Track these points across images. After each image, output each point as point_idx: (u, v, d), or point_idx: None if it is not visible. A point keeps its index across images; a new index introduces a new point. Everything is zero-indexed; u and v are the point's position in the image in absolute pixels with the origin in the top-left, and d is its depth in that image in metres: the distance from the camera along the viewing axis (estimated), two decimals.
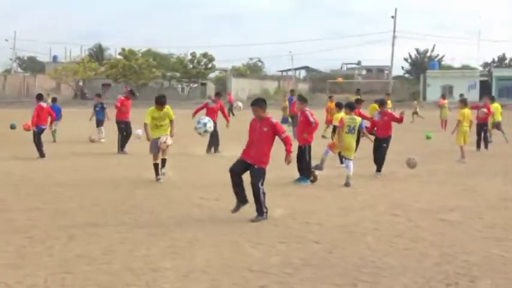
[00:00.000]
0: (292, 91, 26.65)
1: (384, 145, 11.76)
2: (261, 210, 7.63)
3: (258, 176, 7.64)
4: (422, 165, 11.86)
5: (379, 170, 11.81)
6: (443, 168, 12.44)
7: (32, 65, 71.55)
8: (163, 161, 10.97)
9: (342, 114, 11.62)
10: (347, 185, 10.60)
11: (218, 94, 18.55)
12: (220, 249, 6.24)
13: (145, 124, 11.03)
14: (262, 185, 7.62)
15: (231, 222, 7.54)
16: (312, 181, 10.87)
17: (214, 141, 16.04)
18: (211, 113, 15.85)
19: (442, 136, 21.47)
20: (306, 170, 10.97)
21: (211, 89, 57.02)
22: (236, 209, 7.72)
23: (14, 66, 71.13)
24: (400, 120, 11.99)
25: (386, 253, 6.12)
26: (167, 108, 11.13)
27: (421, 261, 5.84)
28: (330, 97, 22.87)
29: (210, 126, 11.72)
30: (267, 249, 6.30)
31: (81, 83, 60.83)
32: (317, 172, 11.10)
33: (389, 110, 12.62)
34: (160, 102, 11.04)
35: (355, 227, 7.47)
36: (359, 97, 17.17)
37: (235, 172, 7.72)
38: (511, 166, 13.55)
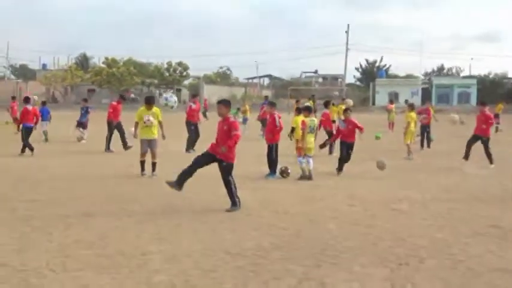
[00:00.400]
0: (266, 97, 27.67)
1: (350, 151, 12.12)
2: (234, 201, 7.83)
3: (227, 171, 7.86)
4: (374, 162, 12.19)
5: (340, 169, 12.03)
6: (392, 164, 12.74)
7: (23, 72, 72.53)
8: (154, 164, 11.08)
9: (301, 117, 11.69)
10: (309, 178, 10.96)
11: (195, 96, 19.26)
12: (201, 235, 6.46)
13: (136, 123, 11.48)
14: (232, 178, 7.86)
15: (210, 212, 7.74)
16: (284, 177, 11.23)
17: (192, 139, 16.22)
18: (193, 114, 16.51)
19: (390, 136, 22.28)
20: (273, 166, 11.30)
21: (185, 94, 57.93)
22: (171, 185, 7.87)
23: (7, 73, 72.58)
24: (361, 129, 12.29)
25: (345, 238, 6.36)
26: (155, 109, 11.30)
27: (376, 244, 6.10)
28: (297, 101, 23.16)
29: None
30: (242, 235, 6.52)
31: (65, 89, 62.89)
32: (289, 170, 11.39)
33: (352, 119, 12.88)
34: (148, 101, 11.39)
35: (318, 215, 7.71)
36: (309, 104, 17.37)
37: (198, 165, 7.92)
38: (451, 162, 14.08)
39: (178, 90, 60.62)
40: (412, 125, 15.27)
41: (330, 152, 15.11)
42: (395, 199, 9.06)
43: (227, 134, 7.88)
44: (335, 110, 18.15)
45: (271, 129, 11.70)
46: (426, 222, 7.35)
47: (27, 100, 16.42)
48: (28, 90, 55.59)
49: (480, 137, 13.52)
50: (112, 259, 5.39)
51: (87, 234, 6.37)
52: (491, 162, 13.18)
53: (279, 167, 11.45)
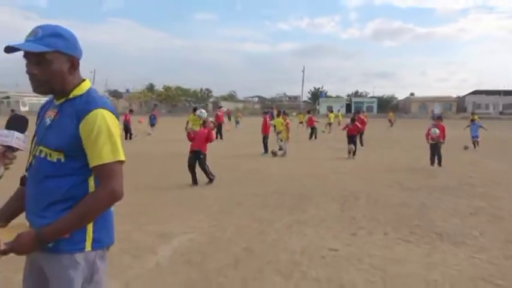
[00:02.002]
0: (272, 108, 29.82)
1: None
2: (209, 177, 8.03)
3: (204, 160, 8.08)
4: (316, 151, 13.83)
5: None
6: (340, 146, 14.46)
7: (115, 94, 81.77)
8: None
9: (280, 119, 13.95)
10: (284, 155, 12.97)
11: (220, 107, 24.56)
12: (235, 190, 7.74)
13: (187, 122, 15.41)
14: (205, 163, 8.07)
15: (234, 178, 8.85)
16: (273, 156, 12.97)
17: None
18: (220, 118, 20.41)
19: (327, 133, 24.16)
20: (265, 148, 13.53)
21: (210, 108, 66.64)
22: (192, 184, 7.91)
23: (105, 95, 77.51)
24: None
25: (313, 188, 7.77)
26: (196, 115, 12.69)
27: (330, 190, 7.49)
28: (309, 111, 25.37)
29: None
30: (255, 186, 7.86)
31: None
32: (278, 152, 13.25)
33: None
34: (194, 110, 15.20)
35: (295, 175, 9.13)
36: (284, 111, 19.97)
37: (191, 164, 8.00)
38: (377, 152, 15.86)
39: (206, 105, 70.16)
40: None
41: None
42: (341, 169, 10.54)
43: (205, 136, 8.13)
44: (301, 116, 24.88)
45: (264, 126, 13.88)
46: (357, 179, 8.79)
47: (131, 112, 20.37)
48: (118, 106, 61.59)
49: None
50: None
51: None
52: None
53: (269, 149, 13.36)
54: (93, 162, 1.65)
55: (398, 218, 5.74)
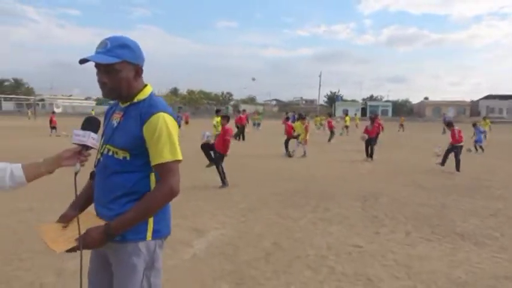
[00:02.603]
0: (287, 113, 29.40)
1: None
2: (222, 181, 7.67)
3: (218, 159, 7.87)
4: (335, 153, 13.75)
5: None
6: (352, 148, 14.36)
7: None
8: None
9: (299, 123, 13.81)
10: (304, 155, 12.94)
11: (244, 110, 23.40)
12: (260, 187, 7.81)
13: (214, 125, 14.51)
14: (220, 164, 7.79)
15: (259, 180, 9.01)
16: (290, 157, 13.03)
17: (239, 132, 19.36)
18: (242, 119, 20.20)
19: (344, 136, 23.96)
20: (287, 150, 13.45)
21: (230, 110, 67.17)
22: (209, 165, 8.22)
23: None
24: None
25: (335, 186, 7.74)
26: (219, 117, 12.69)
27: (352, 190, 7.43)
28: (330, 114, 26.08)
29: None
30: (277, 185, 7.89)
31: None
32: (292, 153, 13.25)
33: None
34: (217, 112, 14.78)
35: (316, 175, 9.12)
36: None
37: (205, 149, 8.25)
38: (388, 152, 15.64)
39: (227, 108, 70.92)
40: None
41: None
42: (359, 169, 10.58)
43: (222, 137, 7.96)
44: (317, 119, 23.79)
45: (288, 129, 13.99)
46: (375, 179, 8.74)
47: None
48: None
49: None
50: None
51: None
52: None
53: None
54: (154, 161, 1.73)
55: (419, 218, 5.69)
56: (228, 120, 8.41)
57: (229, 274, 3.65)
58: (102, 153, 1.82)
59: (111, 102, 2.00)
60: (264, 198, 6.75)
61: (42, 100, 72.97)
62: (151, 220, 1.78)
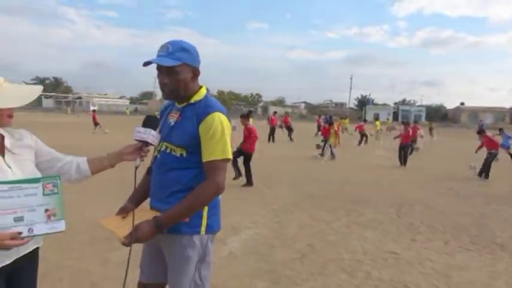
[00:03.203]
0: (325, 115, 29.01)
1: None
2: (248, 180, 7.88)
3: (246, 158, 7.97)
4: (366, 157, 13.53)
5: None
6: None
7: None
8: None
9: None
10: (332, 159, 12.88)
11: (275, 112, 23.09)
12: (297, 191, 7.83)
13: None
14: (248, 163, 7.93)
15: (297, 180, 9.05)
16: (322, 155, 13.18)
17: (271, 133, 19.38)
18: (273, 121, 20.43)
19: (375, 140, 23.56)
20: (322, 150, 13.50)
21: (259, 110, 69.85)
22: (235, 178, 8.11)
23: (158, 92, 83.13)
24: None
25: (369, 191, 7.62)
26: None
27: (386, 196, 7.32)
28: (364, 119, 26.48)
29: None
30: (310, 187, 7.88)
31: None
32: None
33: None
34: (249, 113, 13.82)
35: (349, 179, 9.01)
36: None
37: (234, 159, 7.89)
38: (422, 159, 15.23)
39: (256, 109, 72.67)
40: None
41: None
42: (393, 174, 10.40)
43: (247, 136, 8.06)
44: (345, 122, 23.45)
45: (325, 131, 13.89)
46: (410, 185, 8.56)
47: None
48: None
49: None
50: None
51: None
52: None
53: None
54: (205, 158, 1.80)
55: (457, 227, 5.55)
56: (249, 119, 8.35)
57: (266, 273, 3.70)
58: (159, 150, 1.92)
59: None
60: (296, 200, 6.77)
61: (80, 98, 76.00)
62: (205, 215, 1.86)
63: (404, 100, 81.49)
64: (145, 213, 1.88)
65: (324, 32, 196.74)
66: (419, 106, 73.20)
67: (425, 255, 4.34)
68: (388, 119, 40.39)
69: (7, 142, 1.55)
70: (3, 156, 1.51)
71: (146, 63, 1.80)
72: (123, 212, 1.91)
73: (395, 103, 77.70)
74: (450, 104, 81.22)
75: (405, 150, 12.42)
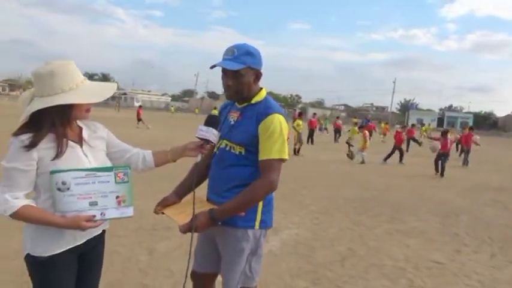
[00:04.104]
0: (359, 118, 28.51)
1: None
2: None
3: None
4: (418, 164, 13.16)
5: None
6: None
7: (213, 95, 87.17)
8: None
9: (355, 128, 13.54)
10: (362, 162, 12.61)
11: (314, 114, 22.44)
12: (331, 192, 7.83)
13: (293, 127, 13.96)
14: None
15: (333, 182, 9.04)
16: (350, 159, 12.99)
17: (310, 135, 18.68)
18: (312, 123, 19.74)
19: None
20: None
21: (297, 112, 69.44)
22: None
23: (205, 95, 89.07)
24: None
25: (411, 198, 7.44)
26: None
27: (430, 204, 7.09)
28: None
29: None
30: (343, 193, 7.84)
31: None
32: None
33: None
34: (299, 115, 14.58)
35: (391, 185, 8.81)
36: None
37: None
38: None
39: (294, 110, 70.77)
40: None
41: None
42: (436, 182, 10.08)
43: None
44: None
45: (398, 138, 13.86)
46: (455, 195, 8.23)
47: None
48: (216, 105, 65.65)
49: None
50: None
51: None
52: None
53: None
54: (262, 156, 1.87)
55: (506, 240, 5.30)
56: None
57: (306, 273, 3.73)
58: (218, 147, 2.01)
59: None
60: (335, 203, 6.72)
61: (125, 94, 79.04)
62: (259, 211, 1.93)
63: (450, 106, 78.29)
64: (203, 204, 1.98)
65: (369, 33, 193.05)
66: (466, 113, 69.96)
67: (471, 267, 4.20)
68: (429, 124, 38.84)
69: (85, 134, 1.69)
70: (81, 146, 1.65)
71: (212, 66, 1.90)
72: (164, 203, 2.01)
73: (440, 109, 74.81)
74: (501, 112, 76.65)
75: (442, 159, 11.54)
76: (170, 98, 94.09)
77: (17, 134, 1.51)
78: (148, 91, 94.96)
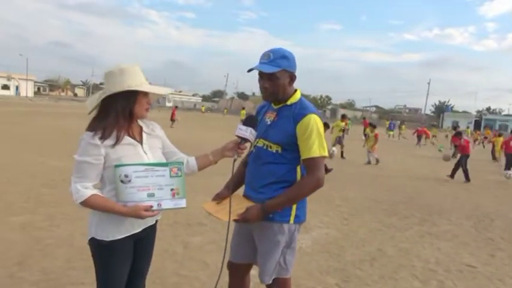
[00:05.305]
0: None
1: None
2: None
3: None
4: (437, 166, 12.86)
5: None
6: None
7: (242, 96, 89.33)
8: None
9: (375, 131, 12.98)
10: (377, 163, 12.40)
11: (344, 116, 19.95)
12: (365, 193, 7.83)
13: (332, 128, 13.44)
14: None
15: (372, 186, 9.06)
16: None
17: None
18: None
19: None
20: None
21: (327, 113, 69.24)
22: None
23: (235, 96, 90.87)
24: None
25: (443, 201, 7.30)
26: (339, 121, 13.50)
27: (463, 208, 6.95)
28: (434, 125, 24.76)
29: None
30: (372, 195, 7.80)
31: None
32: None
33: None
34: (342, 117, 13.92)
35: (421, 188, 8.66)
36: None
37: None
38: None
39: (324, 111, 71.55)
40: None
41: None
42: (469, 186, 9.82)
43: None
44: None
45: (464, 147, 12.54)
46: (488, 199, 7.95)
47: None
48: (244, 106, 66.19)
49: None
50: None
51: None
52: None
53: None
54: (304, 155, 1.99)
55: None
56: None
57: (336, 271, 3.81)
58: (255, 146, 2.14)
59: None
60: (365, 204, 6.73)
61: None
62: (294, 206, 2.06)
63: (489, 108, 75.01)
64: (240, 200, 2.12)
65: (402, 33, 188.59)
66: (506, 115, 66.87)
67: (505, 272, 4.14)
68: (468, 127, 37.29)
69: (144, 133, 1.88)
70: (141, 144, 1.83)
71: (250, 70, 2.04)
72: (219, 197, 2.17)
73: (478, 111, 71.96)
74: None
75: (461, 162, 10.77)
76: (201, 99, 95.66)
77: (87, 129, 1.71)
78: (180, 91, 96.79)
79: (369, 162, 12.53)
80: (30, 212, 4.85)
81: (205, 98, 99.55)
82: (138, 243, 1.88)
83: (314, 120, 1.98)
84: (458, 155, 11.37)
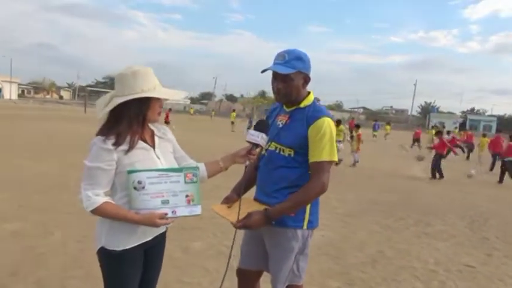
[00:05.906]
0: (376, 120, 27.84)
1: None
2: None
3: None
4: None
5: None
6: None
7: (231, 98, 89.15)
8: None
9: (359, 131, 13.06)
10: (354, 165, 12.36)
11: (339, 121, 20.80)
12: (364, 196, 7.82)
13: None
14: None
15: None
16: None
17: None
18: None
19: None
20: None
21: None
22: None
23: (223, 98, 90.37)
24: None
25: (438, 202, 7.37)
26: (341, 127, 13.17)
27: (458, 208, 7.01)
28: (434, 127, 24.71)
29: None
30: (369, 196, 7.81)
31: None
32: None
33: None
34: (338, 123, 13.21)
35: (416, 188, 8.73)
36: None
37: None
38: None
39: None
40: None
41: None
42: (464, 186, 9.93)
43: None
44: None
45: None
46: (482, 199, 8.12)
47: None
48: (234, 108, 65.59)
49: None
50: None
51: None
52: None
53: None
54: (312, 158, 1.94)
55: None
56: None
57: (338, 274, 3.78)
58: (267, 149, 2.09)
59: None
60: (362, 206, 6.73)
61: None
62: (307, 212, 2.01)
63: (473, 109, 76.28)
64: (250, 204, 2.07)
65: (388, 36, 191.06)
66: (489, 116, 68.17)
67: (504, 271, 4.17)
68: (456, 128, 37.85)
69: (156, 137, 1.81)
70: (154, 148, 1.76)
71: (264, 71, 1.99)
72: (228, 201, 2.11)
73: (462, 112, 73.15)
74: None
75: (434, 159, 10.85)
76: (189, 101, 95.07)
77: (98, 134, 1.63)
78: None
79: (354, 164, 12.49)
80: (22, 220, 4.71)
81: (193, 100, 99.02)
82: (149, 252, 1.81)
83: (328, 124, 1.94)
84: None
